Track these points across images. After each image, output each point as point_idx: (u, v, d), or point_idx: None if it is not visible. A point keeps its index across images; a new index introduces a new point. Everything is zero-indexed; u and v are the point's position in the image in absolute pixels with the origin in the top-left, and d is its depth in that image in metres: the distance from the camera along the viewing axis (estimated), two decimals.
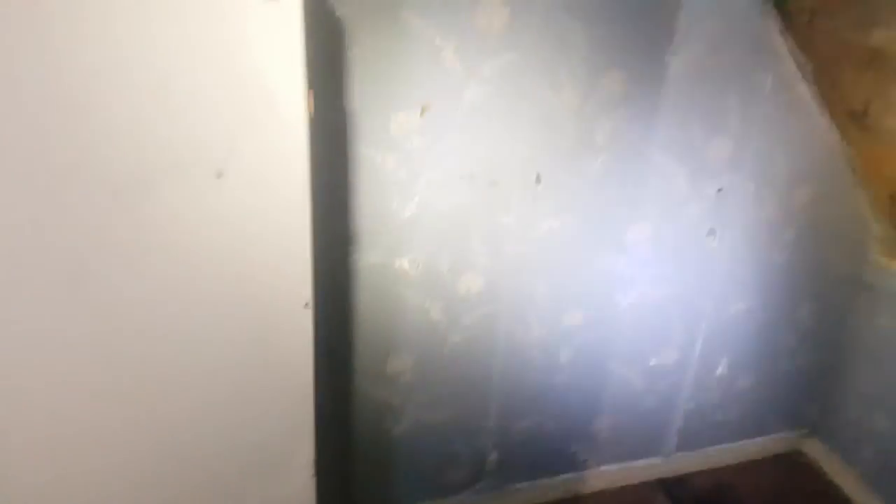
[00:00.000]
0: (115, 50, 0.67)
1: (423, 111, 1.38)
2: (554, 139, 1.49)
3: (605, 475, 2.01)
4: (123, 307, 0.77)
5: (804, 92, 1.60)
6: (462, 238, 1.54)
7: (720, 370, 1.96)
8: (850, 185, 1.77)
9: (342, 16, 1.24)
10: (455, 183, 1.47)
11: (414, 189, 1.45)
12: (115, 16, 0.65)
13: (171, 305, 0.79)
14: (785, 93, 1.59)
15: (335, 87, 1.29)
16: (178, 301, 0.79)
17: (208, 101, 0.72)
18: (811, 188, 1.75)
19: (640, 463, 2.04)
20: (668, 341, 1.87)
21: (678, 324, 1.85)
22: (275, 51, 0.72)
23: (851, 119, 1.64)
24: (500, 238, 1.57)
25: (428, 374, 1.66)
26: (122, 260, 0.75)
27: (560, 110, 1.46)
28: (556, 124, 1.47)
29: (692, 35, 1.46)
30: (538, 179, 1.53)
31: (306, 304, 0.83)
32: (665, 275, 1.76)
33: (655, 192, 1.62)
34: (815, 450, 2.17)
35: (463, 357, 1.68)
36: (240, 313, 0.83)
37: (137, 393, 0.79)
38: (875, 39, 1.42)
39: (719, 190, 1.67)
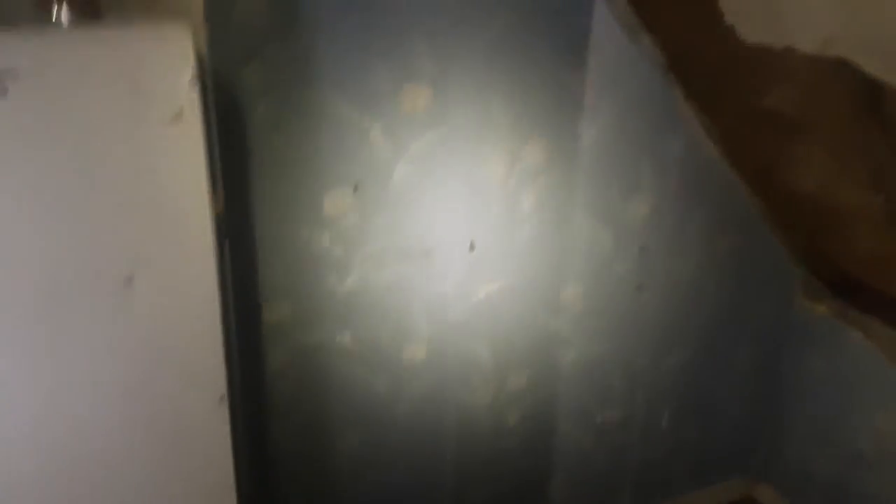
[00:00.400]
0: (27, 169, 0.69)
1: (355, 189, 1.42)
2: (484, 208, 1.55)
3: None
4: (34, 417, 0.76)
5: (713, 151, 1.72)
6: (402, 309, 1.57)
7: (665, 422, 2.00)
8: (767, 234, 1.88)
9: (267, 106, 1.29)
10: (391, 256, 1.51)
11: (350, 265, 1.48)
12: (25, 139, 0.68)
13: (84, 409, 0.79)
14: (695, 154, 1.71)
15: (262, 174, 1.33)
16: (92, 405, 0.80)
17: (118, 213, 0.76)
18: (731, 240, 1.85)
19: None
20: (612, 397, 1.90)
21: (619, 379, 1.89)
22: (180, 163, 0.76)
23: (759, 173, 1.76)
24: (440, 306, 1.60)
25: (378, 449, 1.65)
26: (34, 369, 0.76)
27: (487, 181, 1.53)
28: (485, 194, 1.54)
29: (602, 106, 1.56)
30: (472, 247, 1.58)
31: (221, 398, 0.84)
32: (601, 332, 1.81)
33: (583, 252, 1.69)
34: (766, 495, 2.20)
35: (412, 429, 1.67)
36: (155, 413, 0.83)
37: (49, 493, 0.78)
38: (771, 101, 1.55)
39: (643, 247, 1.76)
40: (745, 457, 2.19)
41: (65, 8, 0.67)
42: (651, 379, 1.93)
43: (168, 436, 0.83)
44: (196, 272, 0.81)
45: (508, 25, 1.41)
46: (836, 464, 1.98)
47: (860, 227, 1.68)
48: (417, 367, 1.64)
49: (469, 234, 1.56)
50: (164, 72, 0.72)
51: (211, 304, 0.85)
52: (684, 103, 1.62)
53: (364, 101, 1.35)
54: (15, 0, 0.69)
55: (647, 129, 1.63)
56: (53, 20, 0.68)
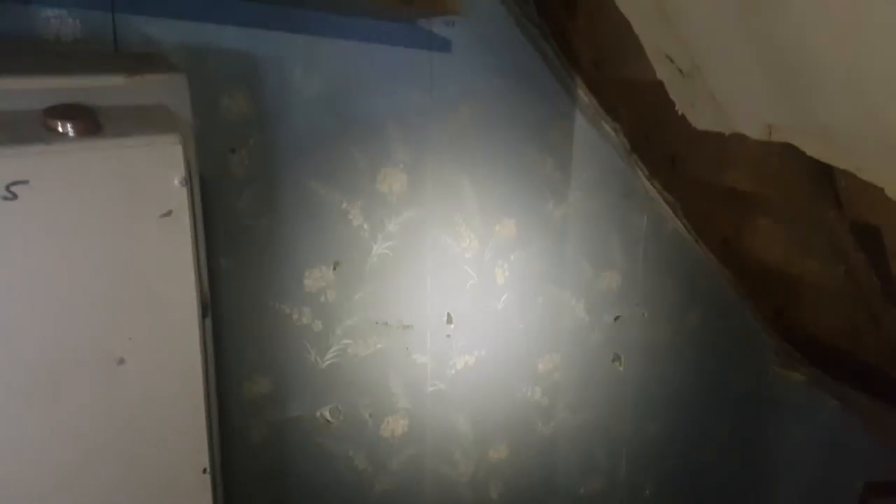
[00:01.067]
0: (35, 262, 0.77)
1: (335, 266, 1.49)
2: (459, 281, 1.62)
3: None
4: (26, 481, 0.81)
5: (678, 226, 1.80)
6: (381, 382, 1.61)
7: (648, 491, 2.00)
8: (736, 303, 1.94)
9: (251, 191, 1.37)
10: (370, 329, 1.56)
11: (330, 339, 1.53)
12: (33, 237, 0.76)
13: (74, 476, 0.84)
14: (661, 228, 1.79)
15: (246, 254, 1.40)
16: (81, 473, 0.85)
17: (113, 300, 0.84)
18: (701, 310, 1.91)
19: None
20: (595, 467, 1.92)
21: (600, 449, 1.91)
22: (169, 256, 0.86)
23: (725, 245, 1.84)
24: (419, 378, 1.65)
25: None
26: (31, 436, 0.81)
27: (462, 256, 1.60)
28: (460, 269, 1.61)
29: (569, 184, 1.66)
30: (449, 319, 1.64)
31: (204, 470, 0.89)
32: (580, 401, 1.84)
33: (558, 323, 1.75)
34: None
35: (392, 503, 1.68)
36: (140, 482, 0.88)
37: None
38: (729, 179, 1.64)
39: (616, 318, 1.81)
40: None
41: (69, 124, 0.77)
42: (633, 448, 1.95)
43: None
44: (182, 354, 0.89)
45: (474, 115, 1.52)
46: None
47: (825, 298, 1.75)
48: (397, 440, 1.66)
49: (446, 308, 1.62)
50: (157, 176, 0.81)
51: (195, 382, 0.92)
52: (648, 181, 1.71)
53: (343, 184, 1.44)
54: (26, 118, 0.78)
55: (614, 205, 1.72)
56: (59, 134, 0.76)
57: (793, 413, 2.02)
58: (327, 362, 1.54)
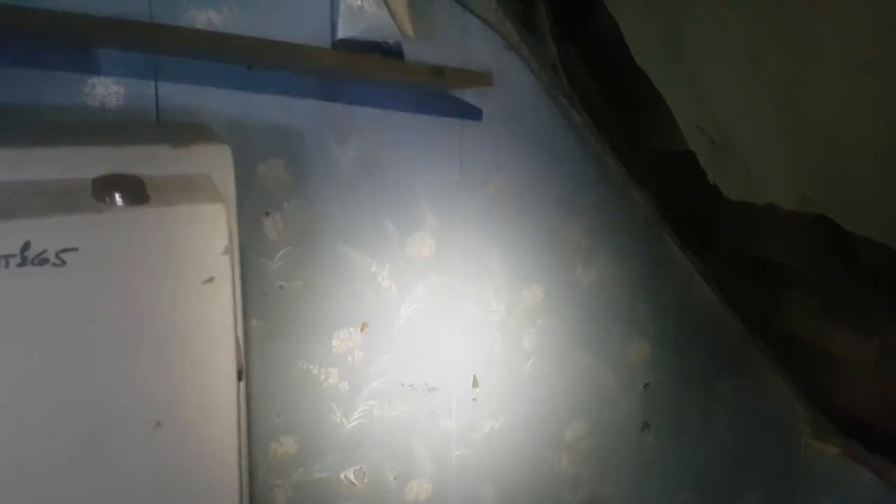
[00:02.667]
0: (81, 328, 0.80)
1: (362, 328, 1.50)
2: (486, 346, 1.61)
3: None
4: None
5: (710, 294, 1.78)
6: (406, 445, 1.60)
7: None
8: (769, 373, 1.90)
9: (285, 254, 1.40)
10: (396, 392, 1.56)
11: (356, 400, 1.53)
12: (80, 302, 0.79)
13: None
14: (692, 296, 1.77)
15: (278, 314, 1.42)
16: None
17: (151, 362, 0.86)
18: (733, 380, 1.87)
19: None
20: None
21: None
22: (210, 322, 0.87)
23: (758, 316, 1.81)
24: (444, 442, 1.63)
25: None
26: (71, 493, 0.82)
27: (488, 321, 1.60)
28: (486, 333, 1.61)
29: (598, 251, 1.66)
30: (475, 383, 1.62)
31: None
32: (608, 471, 1.80)
33: (587, 390, 1.73)
34: None
35: None
36: None
37: None
38: (762, 249, 1.63)
39: (646, 386, 1.78)
40: None
41: (117, 194, 0.79)
42: None
43: None
44: (218, 418, 0.90)
45: (503, 182, 1.54)
46: None
47: (859, 371, 1.70)
48: None
49: (472, 372, 1.62)
50: (200, 244, 0.84)
51: (230, 447, 0.93)
52: (678, 249, 1.71)
53: (372, 248, 1.46)
54: (75, 187, 0.81)
55: (643, 272, 1.71)
56: (108, 203, 0.79)
57: (827, 486, 1.94)
58: (353, 423, 1.54)
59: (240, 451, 0.92)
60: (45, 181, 0.80)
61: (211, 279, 0.84)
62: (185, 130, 1.03)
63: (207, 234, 0.84)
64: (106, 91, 1.23)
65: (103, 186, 0.80)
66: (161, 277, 0.83)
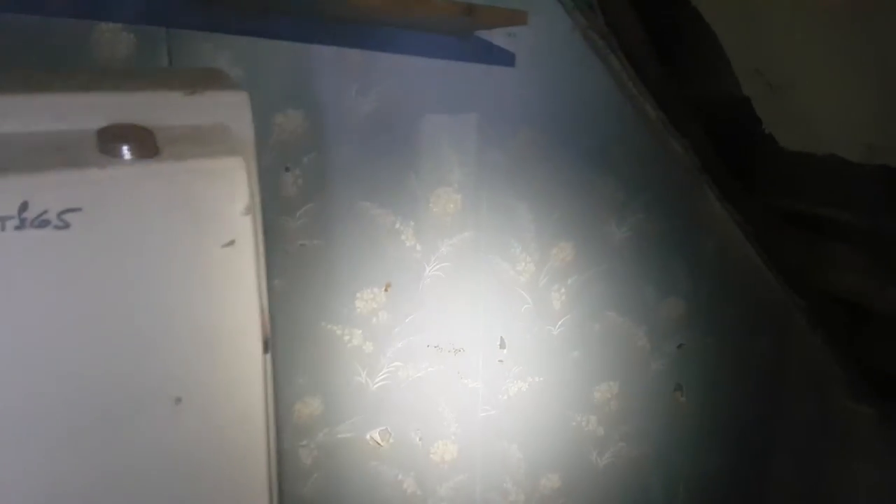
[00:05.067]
0: (91, 295, 0.72)
1: (386, 287, 1.45)
2: (514, 306, 1.55)
3: None
4: None
5: (749, 251, 1.69)
6: (432, 406, 1.56)
7: None
8: (807, 334, 1.82)
9: (305, 212, 1.33)
10: (422, 353, 1.51)
11: (381, 361, 1.49)
12: (87, 268, 0.71)
13: None
14: (729, 253, 1.69)
15: (298, 276, 1.37)
16: None
17: (168, 333, 0.77)
18: (769, 339, 1.80)
19: None
20: (651, 501, 1.82)
21: (657, 483, 1.81)
22: (232, 288, 0.79)
23: (797, 274, 1.72)
24: (470, 403, 1.59)
25: None
26: (86, 490, 0.77)
27: (517, 280, 1.53)
28: (515, 293, 1.54)
29: (632, 206, 1.57)
30: (502, 344, 1.57)
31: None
32: (638, 433, 1.75)
33: (618, 350, 1.67)
34: None
35: None
36: None
37: None
38: (809, 203, 1.53)
39: (679, 346, 1.72)
40: None
41: (125, 146, 0.70)
42: (691, 482, 1.85)
43: None
44: (243, 391, 0.83)
45: (533, 133, 1.44)
46: None
47: None
48: (447, 465, 1.61)
49: (499, 332, 1.56)
50: (219, 203, 0.74)
51: (256, 421, 0.85)
52: (718, 203, 1.62)
53: (396, 204, 1.39)
54: (78, 139, 0.71)
55: (680, 228, 1.63)
56: (114, 157, 0.70)
57: (862, 449, 1.88)
58: (378, 384, 1.50)
59: (267, 424, 0.85)
60: (42, 132, 0.71)
61: (231, 242, 0.76)
62: (197, 75, 0.92)
63: (226, 191, 0.73)
64: (115, 38, 1.15)
65: (109, 138, 0.71)
66: (175, 240, 0.73)
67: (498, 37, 1.35)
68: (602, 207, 1.55)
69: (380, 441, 1.54)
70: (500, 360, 1.58)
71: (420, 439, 1.57)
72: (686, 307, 1.69)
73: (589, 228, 1.55)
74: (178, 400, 0.78)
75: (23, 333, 0.68)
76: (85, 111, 0.74)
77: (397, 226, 1.41)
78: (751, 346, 1.79)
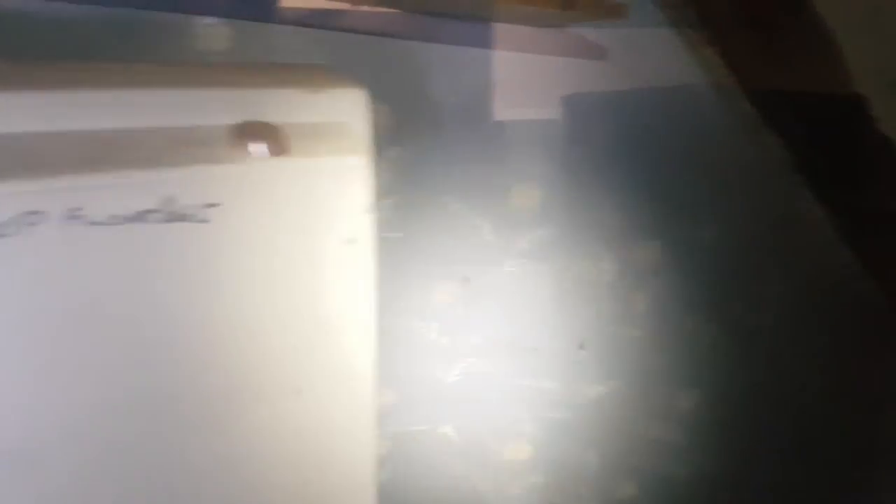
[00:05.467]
0: (222, 287, 0.75)
1: (464, 282, 1.45)
2: (595, 307, 1.52)
3: None
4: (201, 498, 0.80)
5: (848, 261, 1.59)
6: (507, 405, 1.54)
7: None
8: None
9: (388, 206, 1.35)
10: (497, 349, 1.50)
11: (457, 356, 1.49)
12: (221, 260, 0.74)
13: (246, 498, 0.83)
14: (826, 262, 1.59)
15: (380, 266, 1.38)
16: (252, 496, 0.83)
17: (291, 325, 0.79)
18: (865, 354, 1.68)
19: None
20: None
21: (743, 497, 1.73)
22: (351, 284, 0.81)
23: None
24: (545, 404, 1.56)
25: None
26: (204, 480, 0.80)
27: (599, 279, 1.50)
28: (596, 292, 1.51)
29: (723, 207, 1.51)
30: (582, 345, 1.54)
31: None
32: (722, 444, 1.67)
33: (702, 359, 1.60)
34: None
35: None
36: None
37: None
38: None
39: (771, 357, 1.63)
40: None
41: (260, 143, 0.73)
42: (780, 498, 1.75)
43: None
44: (356, 385, 0.85)
45: (620, 129, 1.41)
46: None
47: None
48: (519, 465, 1.59)
49: (578, 333, 1.53)
50: (343, 200, 0.77)
51: (367, 414, 0.87)
52: (815, 207, 1.53)
53: (475, 199, 1.39)
54: (211, 135, 0.74)
55: (773, 231, 1.55)
56: (249, 154, 0.73)
57: None
58: (452, 379, 1.50)
59: (375, 415, 0.88)
60: (177, 127, 0.73)
61: (352, 239, 0.78)
62: (312, 73, 0.93)
63: (351, 189, 0.76)
64: (214, 32, 1.20)
65: (242, 134, 0.74)
66: (301, 236, 0.75)
67: (589, 30, 1.33)
68: (691, 207, 1.49)
69: (453, 436, 1.54)
70: (579, 361, 1.55)
71: (493, 437, 1.56)
72: (778, 314, 1.60)
73: (677, 229, 1.50)
74: (299, 391, 0.80)
75: (165, 319, 0.72)
76: (214, 107, 0.75)
77: (476, 221, 1.40)
78: (848, 365, 1.68)
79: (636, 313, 1.54)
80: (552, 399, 1.56)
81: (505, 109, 1.35)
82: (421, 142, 1.33)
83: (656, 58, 1.38)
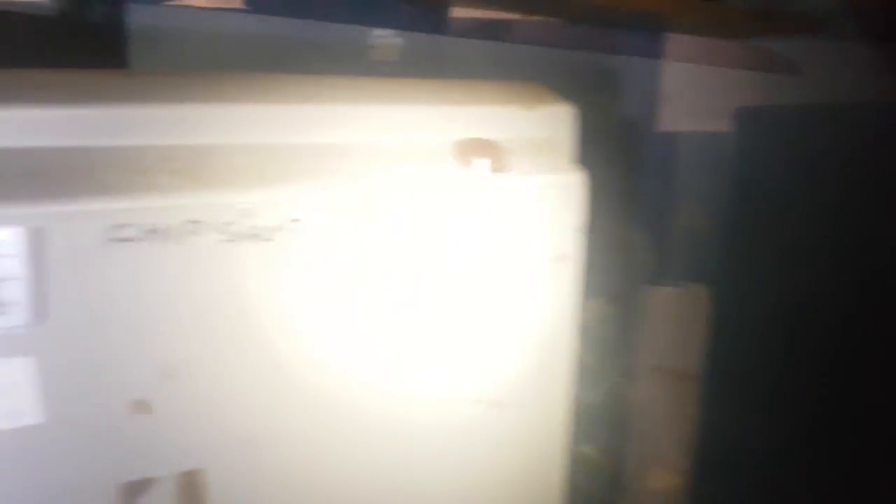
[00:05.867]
0: (426, 297, 0.77)
1: (615, 300, 1.40)
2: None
3: None
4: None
5: None
6: (653, 430, 1.48)
7: None
8: None
9: None
10: (646, 373, 1.44)
11: (602, 376, 1.44)
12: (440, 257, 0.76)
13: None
14: None
15: None
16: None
17: (496, 340, 0.81)
18: None
19: None
20: None
21: None
22: (554, 301, 0.82)
23: None
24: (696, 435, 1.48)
25: None
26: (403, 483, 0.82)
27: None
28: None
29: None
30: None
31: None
32: None
33: None
34: None
35: None
36: None
37: None
38: None
39: None
40: None
41: (483, 160, 0.76)
42: None
43: None
44: (553, 402, 0.86)
45: (808, 147, 1.31)
46: None
47: None
48: (664, 497, 1.52)
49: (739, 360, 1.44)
50: (554, 217, 0.78)
51: (561, 433, 0.89)
52: None
53: (634, 216, 1.34)
54: (438, 152, 0.77)
55: None
56: (473, 170, 0.76)
57: None
58: (596, 400, 1.45)
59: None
60: (400, 142, 0.77)
61: (560, 256, 0.79)
62: (522, 89, 0.94)
63: (564, 206, 0.77)
64: (386, 43, 1.22)
65: (466, 150, 0.77)
66: (512, 251, 0.77)
67: (776, 43, 1.26)
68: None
69: (593, 458, 1.49)
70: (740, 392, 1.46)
71: (636, 463, 1.49)
72: None
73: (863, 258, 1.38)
74: (494, 405, 0.81)
75: (391, 322, 0.75)
76: (436, 123, 0.79)
77: (632, 239, 1.36)
78: None
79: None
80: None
81: (680, 123, 1.29)
82: (601, 161, 1.30)
83: (847, 72, 1.28)
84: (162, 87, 0.70)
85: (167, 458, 0.67)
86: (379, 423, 0.77)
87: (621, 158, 1.29)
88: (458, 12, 1.26)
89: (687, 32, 1.19)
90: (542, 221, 0.78)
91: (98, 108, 0.64)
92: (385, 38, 1.22)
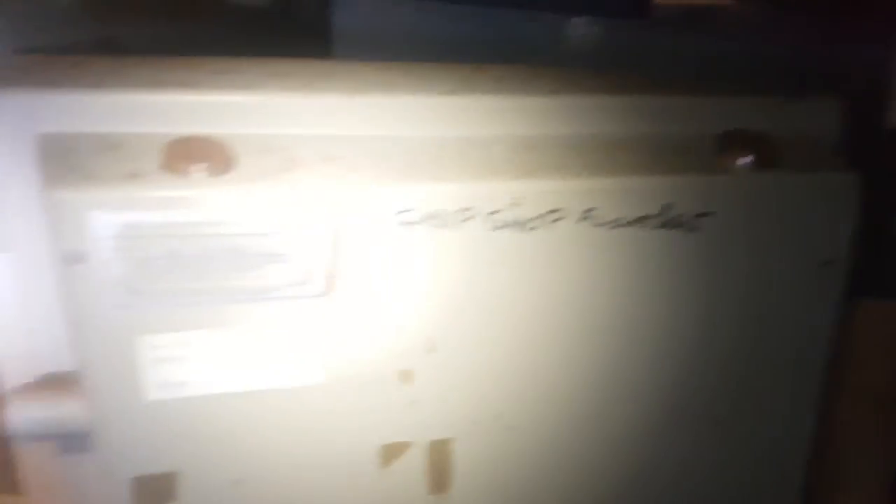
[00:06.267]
0: (707, 297, 0.75)
1: None
2: None
3: None
4: None
5: None
6: None
7: None
8: None
9: None
10: None
11: None
12: (706, 271, 0.74)
13: None
14: None
15: None
16: None
17: (744, 350, 0.78)
18: None
19: None
20: None
21: None
22: (815, 308, 0.78)
23: None
24: None
25: None
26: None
27: None
28: None
29: None
30: None
31: None
32: None
33: None
34: None
35: None
36: None
37: None
38: None
39: None
40: None
41: (747, 155, 0.72)
42: None
43: None
44: (791, 427, 0.84)
45: None
46: None
47: None
48: None
49: None
50: (828, 218, 0.74)
51: (799, 447, 0.86)
52: None
53: None
54: (700, 146, 0.73)
55: None
56: (735, 166, 0.72)
57: None
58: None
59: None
60: (666, 135, 0.73)
61: (830, 261, 0.73)
62: (779, 80, 0.90)
63: (837, 207, 0.72)
64: (585, 30, 1.18)
65: (731, 144, 0.73)
66: (778, 254, 0.73)
67: None
68: None
69: None
70: None
71: (826, 486, 1.37)
72: None
73: None
74: (717, 421, 0.78)
75: (642, 322, 0.74)
76: (700, 115, 0.76)
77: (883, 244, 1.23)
78: None
79: None
80: None
81: None
82: None
83: None
84: (415, 80, 0.71)
85: (423, 426, 0.70)
86: (622, 422, 0.75)
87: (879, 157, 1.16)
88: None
89: None
90: (812, 223, 0.72)
91: (396, 98, 0.67)
92: (581, 26, 1.19)
